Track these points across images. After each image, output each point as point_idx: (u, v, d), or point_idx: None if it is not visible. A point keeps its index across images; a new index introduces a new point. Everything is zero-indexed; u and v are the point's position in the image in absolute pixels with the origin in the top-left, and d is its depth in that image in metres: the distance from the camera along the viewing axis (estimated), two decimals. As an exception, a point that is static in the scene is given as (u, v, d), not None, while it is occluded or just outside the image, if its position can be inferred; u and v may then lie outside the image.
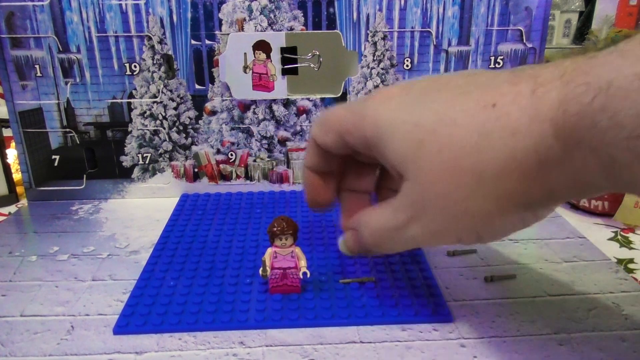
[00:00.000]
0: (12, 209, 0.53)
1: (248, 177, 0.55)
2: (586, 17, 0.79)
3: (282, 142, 0.54)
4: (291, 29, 0.50)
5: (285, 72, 0.50)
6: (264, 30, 0.50)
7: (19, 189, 0.55)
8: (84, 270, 0.40)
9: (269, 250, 0.34)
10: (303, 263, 0.34)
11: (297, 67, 0.50)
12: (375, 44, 0.50)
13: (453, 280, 0.38)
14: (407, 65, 0.51)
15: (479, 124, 0.24)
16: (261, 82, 0.51)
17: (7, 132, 0.55)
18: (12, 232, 0.46)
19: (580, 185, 0.23)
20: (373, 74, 0.51)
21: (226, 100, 0.52)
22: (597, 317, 0.33)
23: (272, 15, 0.49)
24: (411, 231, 0.27)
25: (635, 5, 0.73)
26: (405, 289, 0.36)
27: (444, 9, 0.49)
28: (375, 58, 0.51)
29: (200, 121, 0.53)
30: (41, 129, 0.52)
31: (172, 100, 0.52)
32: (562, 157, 0.22)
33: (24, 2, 0.47)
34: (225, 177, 0.55)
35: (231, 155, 0.54)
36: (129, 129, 0.52)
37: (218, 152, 0.54)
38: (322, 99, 0.52)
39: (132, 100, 0.51)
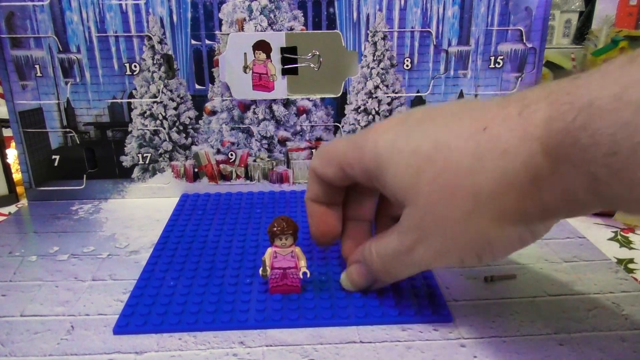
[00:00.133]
0: (12, 209, 0.53)
1: (248, 177, 0.55)
2: (586, 17, 0.79)
3: (282, 142, 0.54)
4: (291, 29, 0.50)
5: (285, 72, 0.50)
6: (264, 30, 0.50)
7: (19, 189, 0.55)
8: (84, 270, 0.40)
9: (269, 250, 0.34)
10: (303, 263, 0.34)
11: (297, 67, 0.50)
12: (375, 44, 0.50)
13: (453, 280, 0.38)
14: (407, 65, 0.51)
15: (472, 147, 0.25)
16: (261, 82, 0.51)
17: (7, 132, 0.55)
18: (12, 232, 0.46)
19: (571, 202, 0.24)
20: (373, 74, 0.51)
21: (226, 100, 0.52)
22: (597, 317, 0.33)
23: (272, 15, 0.49)
24: (417, 254, 0.28)
25: (635, 5, 0.73)
26: (405, 289, 0.36)
27: (444, 9, 0.49)
28: (375, 58, 0.51)
29: (200, 121, 0.53)
30: (41, 129, 0.52)
31: (172, 100, 0.52)
32: (551, 174, 0.23)
33: (24, 2, 0.47)
34: (225, 177, 0.55)
35: (231, 155, 0.54)
36: (129, 129, 0.52)
37: (218, 152, 0.54)
38: (322, 99, 0.52)
39: (132, 100, 0.51)
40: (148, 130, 0.52)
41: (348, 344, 0.31)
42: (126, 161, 0.53)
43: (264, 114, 0.52)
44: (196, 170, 0.54)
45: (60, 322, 0.33)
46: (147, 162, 0.53)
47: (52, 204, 0.53)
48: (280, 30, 0.50)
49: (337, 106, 0.53)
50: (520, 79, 0.52)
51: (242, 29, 0.50)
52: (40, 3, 0.48)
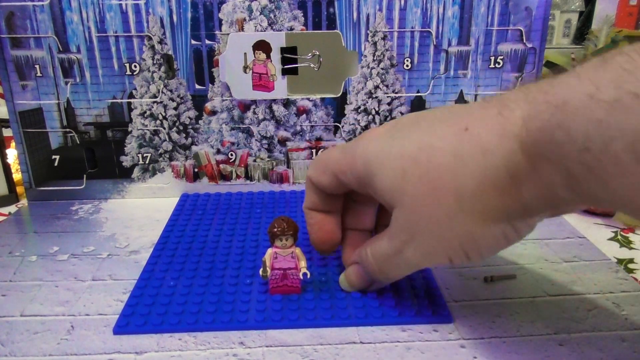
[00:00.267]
0: (12, 209, 0.53)
1: (248, 177, 0.55)
2: (586, 17, 0.79)
3: (282, 142, 0.54)
4: (291, 29, 0.50)
5: (285, 72, 0.50)
6: (264, 30, 0.50)
7: (19, 189, 0.55)
8: (84, 270, 0.40)
9: (269, 251, 0.34)
10: (303, 264, 0.34)
11: (297, 67, 0.50)
12: (375, 44, 0.50)
13: (453, 280, 0.38)
14: (407, 65, 0.51)
15: (454, 147, 0.26)
16: (261, 82, 0.51)
17: (7, 132, 0.55)
18: (12, 232, 0.46)
19: (551, 198, 0.24)
20: (373, 74, 0.51)
21: (226, 100, 0.52)
22: (597, 317, 0.33)
23: (272, 15, 0.49)
24: (407, 255, 0.29)
25: (635, 5, 0.73)
26: (405, 289, 0.36)
27: (444, 9, 0.49)
28: (375, 58, 0.51)
29: (200, 121, 0.53)
30: (41, 129, 0.52)
31: (172, 100, 0.52)
32: (529, 171, 0.24)
33: (24, 2, 0.47)
34: (225, 177, 0.55)
35: (231, 155, 0.54)
36: (129, 129, 0.52)
37: (218, 152, 0.54)
38: (322, 99, 0.52)
39: (132, 100, 0.51)
40: (148, 130, 0.52)
41: (348, 344, 0.31)
42: (126, 161, 0.53)
43: (264, 114, 0.52)
44: (196, 170, 0.54)
45: (60, 322, 0.33)
46: (147, 162, 0.53)
47: (52, 204, 0.53)
48: (280, 30, 0.50)
49: (337, 106, 0.53)
50: (520, 79, 0.52)
51: (242, 29, 0.50)
52: (40, 3, 0.48)
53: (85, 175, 0.53)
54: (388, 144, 0.29)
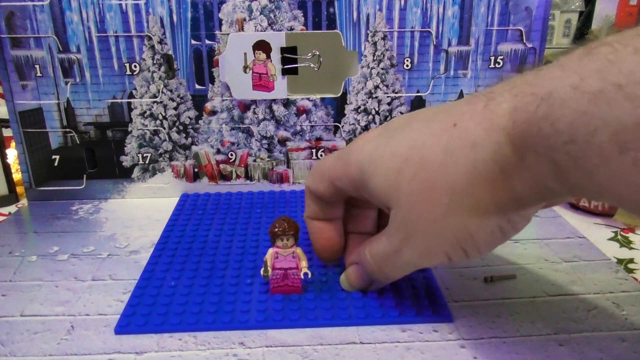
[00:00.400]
0: (12, 209, 0.53)
1: (248, 177, 0.55)
2: (586, 17, 0.79)
3: (282, 142, 0.54)
4: (291, 29, 0.50)
5: (285, 72, 0.50)
6: (264, 30, 0.49)
7: (19, 189, 0.55)
8: (84, 270, 0.40)
9: (270, 251, 0.34)
10: (304, 264, 0.34)
11: (297, 67, 0.50)
12: (375, 44, 0.50)
13: (453, 280, 0.38)
14: (407, 65, 0.51)
15: (444, 143, 0.26)
16: (261, 82, 0.51)
17: (7, 132, 0.55)
18: (12, 232, 0.46)
19: (541, 190, 0.24)
20: (373, 74, 0.51)
21: (226, 100, 0.52)
22: (597, 317, 0.33)
23: (272, 15, 0.49)
24: (405, 254, 0.29)
25: (635, 5, 0.73)
26: (405, 289, 0.36)
27: (444, 9, 0.49)
28: (375, 58, 0.51)
29: (200, 121, 0.53)
30: (41, 129, 0.52)
31: (172, 100, 0.52)
32: (518, 163, 0.24)
33: (24, 2, 0.47)
34: (225, 177, 0.55)
35: (231, 155, 0.54)
36: (129, 129, 0.52)
37: (218, 152, 0.54)
38: (322, 99, 0.52)
39: (132, 100, 0.51)
40: (148, 130, 0.52)
41: (348, 344, 0.31)
42: (126, 161, 0.53)
43: (264, 114, 0.52)
44: (196, 170, 0.54)
45: (60, 322, 0.33)
46: (147, 162, 0.53)
47: (52, 204, 0.53)
48: (280, 30, 0.50)
49: (337, 106, 0.53)
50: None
51: (242, 29, 0.50)
52: (40, 3, 0.47)
53: (85, 175, 0.53)
54: (381, 146, 0.29)
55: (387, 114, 0.53)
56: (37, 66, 0.49)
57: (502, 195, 0.25)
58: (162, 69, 0.50)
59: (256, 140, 0.53)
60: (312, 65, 0.50)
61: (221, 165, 0.54)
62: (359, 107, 0.52)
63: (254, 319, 0.33)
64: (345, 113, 0.53)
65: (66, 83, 0.50)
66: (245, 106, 0.52)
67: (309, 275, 0.34)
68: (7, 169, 0.54)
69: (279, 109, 0.52)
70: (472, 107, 0.26)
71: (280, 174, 0.54)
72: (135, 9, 0.48)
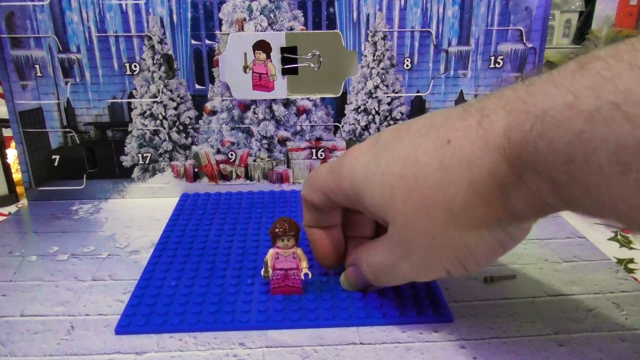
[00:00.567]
0: (12, 209, 0.53)
1: (248, 177, 0.55)
2: (586, 17, 0.79)
3: (282, 142, 0.54)
4: (291, 29, 0.50)
5: (285, 72, 0.50)
6: (264, 30, 0.49)
7: (19, 189, 0.55)
8: (84, 270, 0.40)
9: (271, 251, 0.34)
10: (305, 264, 0.34)
11: (297, 67, 0.50)
12: (375, 44, 0.50)
13: (453, 280, 0.38)
14: (407, 65, 0.51)
15: (439, 161, 0.25)
16: (261, 82, 0.51)
17: (7, 132, 0.55)
18: (12, 232, 0.46)
19: (540, 205, 0.24)
20: (373, 74, 0.51)
21: (226, 100, 0.52)
22: (597, 317, 0.33)
23: (272, 15, 0.49)
24: (402, 269, 0.29)
25: (635, 5, 0.73)
26: (405, 289, 0.36)
27: (444, 9, 0.49)
28: (375, 58, 0.51)
29: (200, 121, 0.53)
30: (41, 129, 0.52)
31: (172, 100, 0.52)
32: (516, 181, 0.24)
33: (24, 2, 0.47)
34: (225, 177, 0.55)
35: (231, 155, 0.54)
36: (129, 128, 0.52)
37: (218, 152, 0.54)
38: (322, 99, 0.52)
39: (132, 100, 0.51)
40: (148, 130, 0.52)
41: (348, 345, 0.31)
42: (126, 161, 0.53)
43: (264, 114, 0.52)
44: (196, 170, 0.54)
45: (60, 322, 0.33)
46: (147, 162, 0.53)
47: (52, 204, 0.53)
48: (280, 30, 0.50)
49: (337, 106, 0.53)
50: (520, 79, 0.52)
51: (242, 29, 0.50)
52: (40, 3, 0.47)
53: (85, 175, 0.53)
54: (373, 162, 0.29)
55: (387, 114, 0.53)
56: (37, 66, 0.49)
57: (501, 212, 0.25)
58: (162, 69, 0.50)
59: (256, 140, 0.53)
60: (312, 65, 0.50)
61: (221, 165, 0.54)
62: (359, 107, 0.52)
63: (255, 319, 0.33)
64: (345, 113, 0.53)
65: (66, 83, 0.50)
66: (245, 106, 0.52)
67: (310, 276, 0.34)
68: (7, 169, 0.54)
69: (279, 109, 0.52)
70: (465, 123, 0.25)
71: (280, 174, 0.54)
72: (135, 9, 0.48)
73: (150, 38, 0.49)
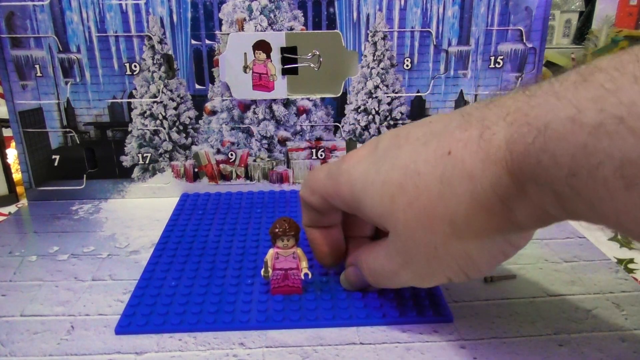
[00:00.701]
0: (12, 209, 0.53)
1: (248, 177, 0.55)
2: (586, 17, 0.79)
3: (282, 142, 0.54)
4: (291, 29, 0.50)
5: (285, 72, 0.50)
6: (264, 30, 0.49)
7: (19, 189, 0.55)
8: (84, 270, 0.40)
9: (271, 251, 0.34)
10: (305, 264, 0.34)
11: (297, 67, 0.50)
12: (375, 44, 0.50)
13: (453, 280, 0.38)
14: (407, 65, 0.51)
15: (439, 173, 0.25)
16: (261, 82, 0.51)
17: (7, 132, 0.55)
18: (12, 232, 0.46)
19: (543, 216, 0.24)
20: (373, 74, 0.51)
21: (226, 100, 0.52)
22: (597, 317, 0.33)
23: (272, 15, 0.49)
24: (403, 277, 0.29)
25: (635, 5, 0.73)
26: (405, 290, 0.36)
27: (444, 9, 0.49)
28: (375, 58, 0.51)
29: (200, 121, 0.53)
30: (41, 129, 0.52)
31: (172, 100, 0.52)
32: (518, 193, 0.23)
33: (24, 2, 0.47)
34: (225, 177, 0.55)
35: (231, 155, 0.54)
36: (129, 128, 0.52)
37: (218, 152, 0.54)
38: (322, 99, 0.52)
39: (132, 100, 0.51)
40: (148, 130, 0.52)
41: (348, 345, 0.31)
42: (126, 161, 0.53)
43: (264, 114, 0.52)
44: (196, 170, 0.54)
45: (60, 322, 0.33)
46: (147, 162, 0.53)
47: (52, 204, 0.53)
48: (280, 30, 0.50)
49: (337, 106, 0.53)
50: (520, 79, 0.52)
51: (242, 28, 0.50)
52: (40, 3, 0.47)
53: (85, 175, 0.53)
54: (373, 170, 0.28)
55: (387, 114, 0.53)
56: (37, 66, 0.49)
57: (503, 222, 0.25)
58: (162, 69, 0.50)
59: (256, 140, 0.53)
60: (312, 65, 0.50)
61: (221, 165, 0.54)
62: (359, 107, 0.52)
63: (255, 319, 0.33)
64: (345, 113, 0.53)
65: (66, 83, 0.50)
66: (245, 106, 0.52)
67: (310, 276, 0.34)
68: (7, 169, 0.54)
69: (279, 109, 0.52)
70: (466, 134, 0.25)
71: (280, 174, 0.54)
72: (135, 9, 0.48)
73: (150, 38, 0.49)
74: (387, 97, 0.52)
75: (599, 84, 0.20)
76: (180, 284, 0.37)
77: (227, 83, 0.51)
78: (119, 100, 0.51)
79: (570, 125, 0.20)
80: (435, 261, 0.27)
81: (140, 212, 0.51)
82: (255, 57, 0.50)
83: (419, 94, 0.52)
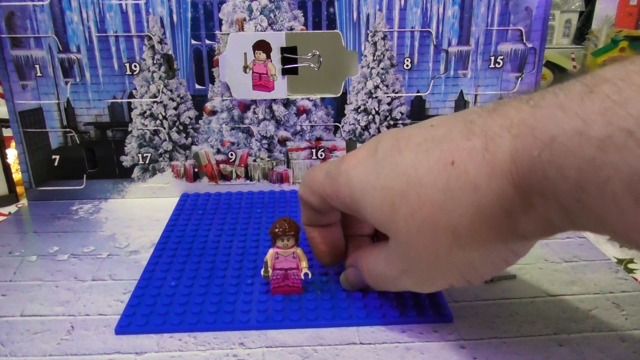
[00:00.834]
0: (12, 209, 0.53)
1: (248, 177, 0.55)
2: (586, 17, 0.79)
3: (282, 142, 0.54)
4: (291, 29, 0.50)
5: (285, 72, 0.50)
6: (264, 30, 0.49)
7: (19, 189, 0.55)
8: (84, 270, 0.40)
9: (271, 251, 0.34)
10: (304, 264, 0.34)
11: (297, 67, 0.50)
12: (375, 44, 0.50)
13: (453, 280, 0.38)
14: (407, 65, 0.51)
15: (443, 183, 0.25)
16: (261, 82, 0.51)
17: (7, 132, 0.55)
18: (12, 232, 0.46)
19: (549, 228, 0.24)
20: (373, 74, 0.51)
21: (226, 100, 0.52)
22: (597, 317, 0.33)
23: (272, 15, 0.49)
24: (404, 283, 0.29)
25: (635, 5, 0.73)
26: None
27: (444, 9, 0.49)
28: (375, 58, 0.51)
29: (200, 121, 0.53)
30: (41, 129, 0.52)
31: (172, 100, 0.52)
32: (524, 205, 0.23)
33: (24, 2, 0.47)
34: (225, 177, 0.55)
35: (231, 155, 0.54)
36: (129, 128, 0.52)
37: (218, 152, 0.54)
38: (322, 99, 0.52)
39: (132, 100, 0.51)
40: (148, 130, 0.52)
41: (348, 345, 0.31)
42: (126, 161, 0.53)
43: (264, 114, 0.52)
44: (196, 170, 0.54)
45: (60, 322, 0.33)
46: (147, 162, 0.53)
47: (52, 204, 0.53)
48: (280, 30, 0.50)
49: (337, 106, 0.53)
50: (520, 79, 0.52)
51: (242, 28, 0.50)
52: (40, 3, 0.47)
53: (85, 175, 0.53)
54: (373, 174, 0.28)
55: (387, 114, 0.53)
56: (37, 66, 0.49)
57: (507, 233, 0.25)
58: (162, 69, 0.50)
59: (256, 140, 0.53)
60: (312, 65, 0.50)
61: (221, 165, 0.54)
62: (359, 107, 0.52)
63: (255, 319, 0.33)
64: (345, 113, 0.53)
65: (66, 83, 0.50)
66: (245, 106, 0.52)
67: (309, 276, 0.34)
68: (7, 169, 0.54)
69: (279, 109, 0.52)
70: (470, 144, 0.24)
71: (280, 174, 0.55)
72: (135, 9, 0.48)
73: (150, 38, 0.49)
74: (387, 97, 0.52)
75: (605, 95, 0.20)
76: (180, 284, 0.37)
77: (227, 83, 0.51)
78: (119, 100, 0.51)
79: (577, 138, 0.20)
80: (436, 269, 0.27)
81: (140, 212, 0.51)
82: (255, 57, 0.50)
83: (419, 94, 0.52)
